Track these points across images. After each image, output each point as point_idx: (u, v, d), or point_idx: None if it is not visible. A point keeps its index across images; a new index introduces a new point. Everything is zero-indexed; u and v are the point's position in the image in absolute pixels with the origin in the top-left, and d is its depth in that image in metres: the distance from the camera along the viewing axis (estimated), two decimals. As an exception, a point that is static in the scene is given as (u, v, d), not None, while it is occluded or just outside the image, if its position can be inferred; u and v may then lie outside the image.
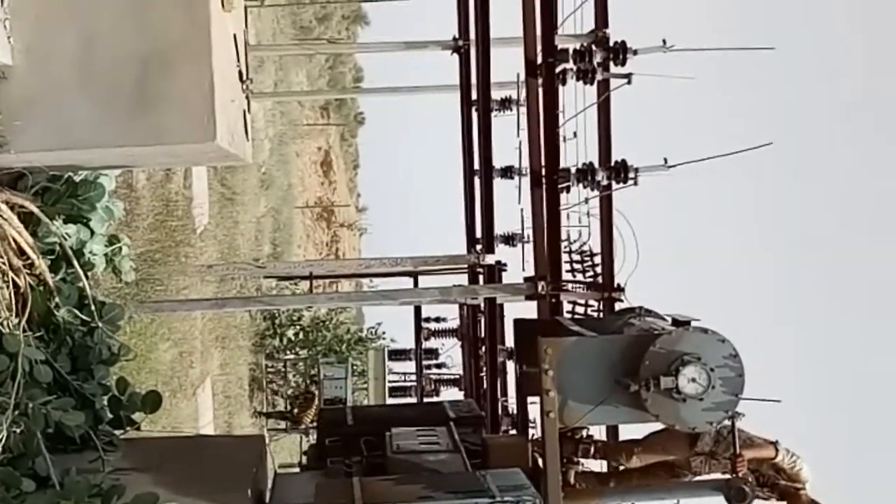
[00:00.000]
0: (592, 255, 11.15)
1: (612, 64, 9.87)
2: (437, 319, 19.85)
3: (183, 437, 10.70)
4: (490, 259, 13.32)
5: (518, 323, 8.37)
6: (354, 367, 25.02)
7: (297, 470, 10.20)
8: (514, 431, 11.23)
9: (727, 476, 6.69)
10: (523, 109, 11.95)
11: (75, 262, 6.66)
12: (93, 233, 7.02)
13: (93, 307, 6.64)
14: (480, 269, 13.76)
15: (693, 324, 6.49)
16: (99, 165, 6.72)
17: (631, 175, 9.63)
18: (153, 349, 13.12)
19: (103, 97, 5.78)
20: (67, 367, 6.40)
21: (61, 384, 6.31)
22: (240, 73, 6.80)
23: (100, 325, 6.64)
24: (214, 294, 16.96)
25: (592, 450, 7.07)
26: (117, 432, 6.61)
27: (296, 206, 31.78)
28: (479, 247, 13.61)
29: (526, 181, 11.37)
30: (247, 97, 7.04)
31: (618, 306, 9.79)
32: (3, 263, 6.10)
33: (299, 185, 33.19)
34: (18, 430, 5.65)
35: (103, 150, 6.03)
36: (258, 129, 23.07)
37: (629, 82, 9.85)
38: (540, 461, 6.84)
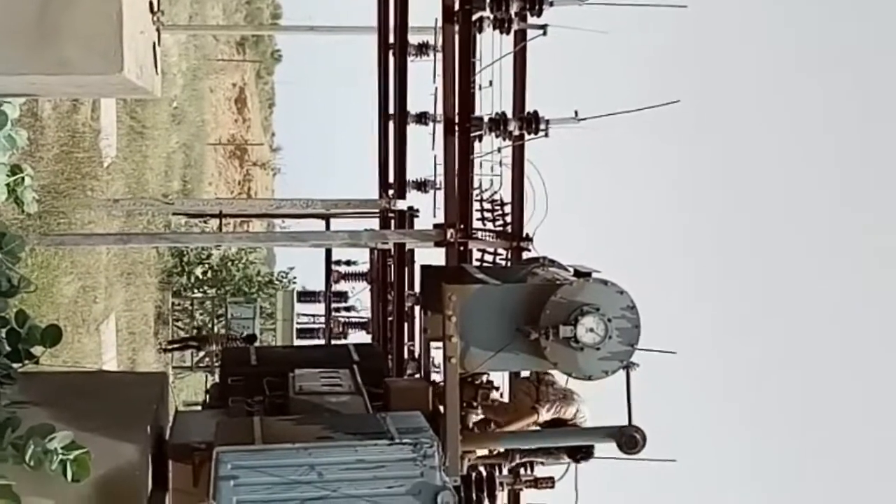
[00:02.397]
0: (503, 204, 11.25)
1: (528, 14, 9.90)
2: (348, 263, 19.85)
3: (84, 372, 10.60)
4: (402, 204, 13.33)
5: (424, 269, 8.44)
6: (263, 309, 24.96)
7: (199, 408, 10.19)
8: (418, 376, 11.36)
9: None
10: (440, 56, 11.93)
11: (-27, 191, 6.50)
12: (-6, 161, 6.84)
13: (-8, 238, 6.49)
14: (392, 214, 13.76)
15: (594, 275, 6.63)
16: (2, 93, 6.55)
17: (542, 126, 9.71)
18: (55, 283, 12.91)
19: (6, 24, 5.64)
20: (-37, 298, 6.27)
21: (-44, 315, 6.19)
22: (150, 4, 6.67)
23: (-1, 255, 6.50)
24: (121, 229, 16.69)
25: (492, 395, 7.21)
26: (15, 365, 6.52)
27: (208, 143, 31.30)
28: (391, 192, 13.60)
29: (440, 128, 11.38)
30: (157, 29, 6.91)
31: (526, 256, 9.93)
32: None
33: (212, 122, 32.66)
34: None
35: (6, 77, 5.89)
36: (171, 63, 22.60)
37: (545, 33, 9.92)
38: (440, 405, 6.96)
